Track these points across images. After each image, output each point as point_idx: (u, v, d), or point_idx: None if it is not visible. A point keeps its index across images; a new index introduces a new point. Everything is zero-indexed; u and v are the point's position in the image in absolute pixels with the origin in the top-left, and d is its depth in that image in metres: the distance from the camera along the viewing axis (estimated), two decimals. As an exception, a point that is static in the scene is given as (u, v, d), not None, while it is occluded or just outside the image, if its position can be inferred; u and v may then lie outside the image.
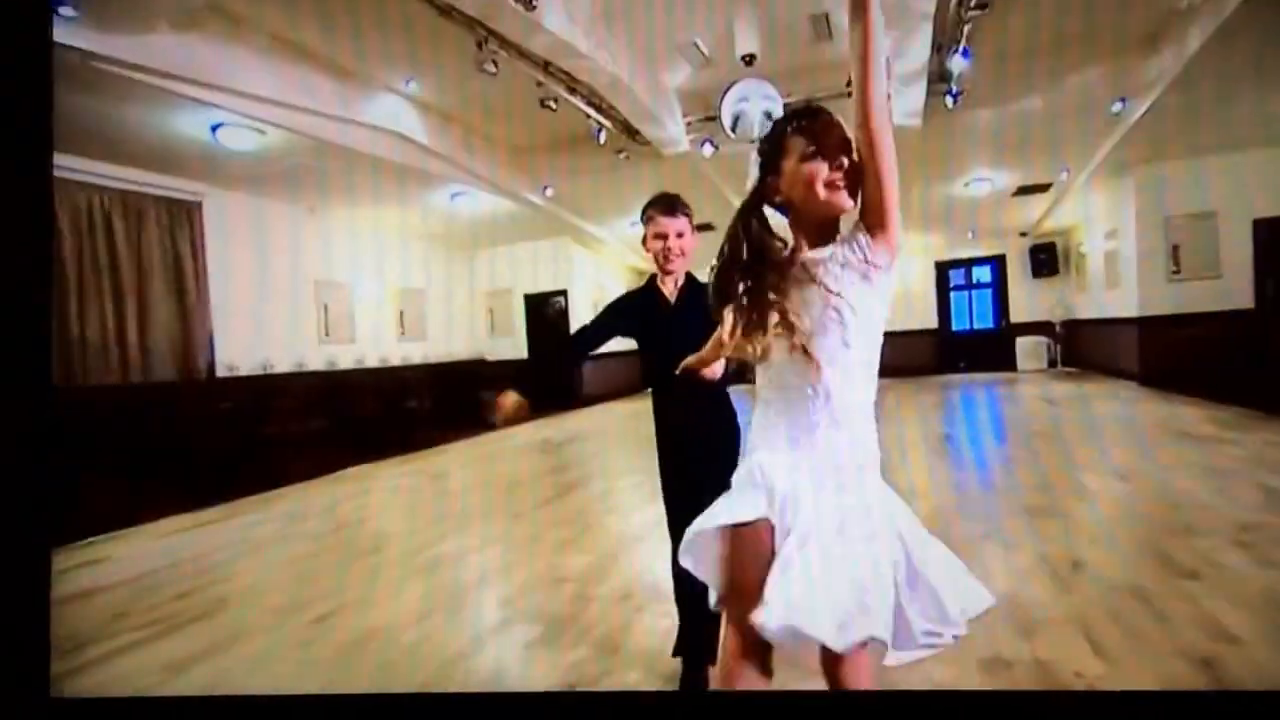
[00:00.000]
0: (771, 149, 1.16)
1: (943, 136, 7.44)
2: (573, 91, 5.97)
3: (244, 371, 7.19)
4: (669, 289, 1.89)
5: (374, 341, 9.06)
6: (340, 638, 2.39)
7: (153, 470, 5.37)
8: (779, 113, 6.17)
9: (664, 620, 2.29)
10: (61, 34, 4.08)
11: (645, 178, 8.32)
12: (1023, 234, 11.67)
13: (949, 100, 6.27)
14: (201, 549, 3.69)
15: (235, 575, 3.22)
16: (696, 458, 1.81)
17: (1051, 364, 11.53)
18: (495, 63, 4.89)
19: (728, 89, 5.80)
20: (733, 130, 6.08)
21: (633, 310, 1.96)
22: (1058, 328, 11.56)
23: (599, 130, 6.66)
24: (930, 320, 12.78)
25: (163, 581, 3.11)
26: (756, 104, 5.83)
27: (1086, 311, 10.57)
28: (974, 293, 12.89)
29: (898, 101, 6.71)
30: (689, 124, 7.35)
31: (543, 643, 2.26)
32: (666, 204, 1.84)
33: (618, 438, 7.54)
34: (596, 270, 11.45)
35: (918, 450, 5.37)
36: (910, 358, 12.58)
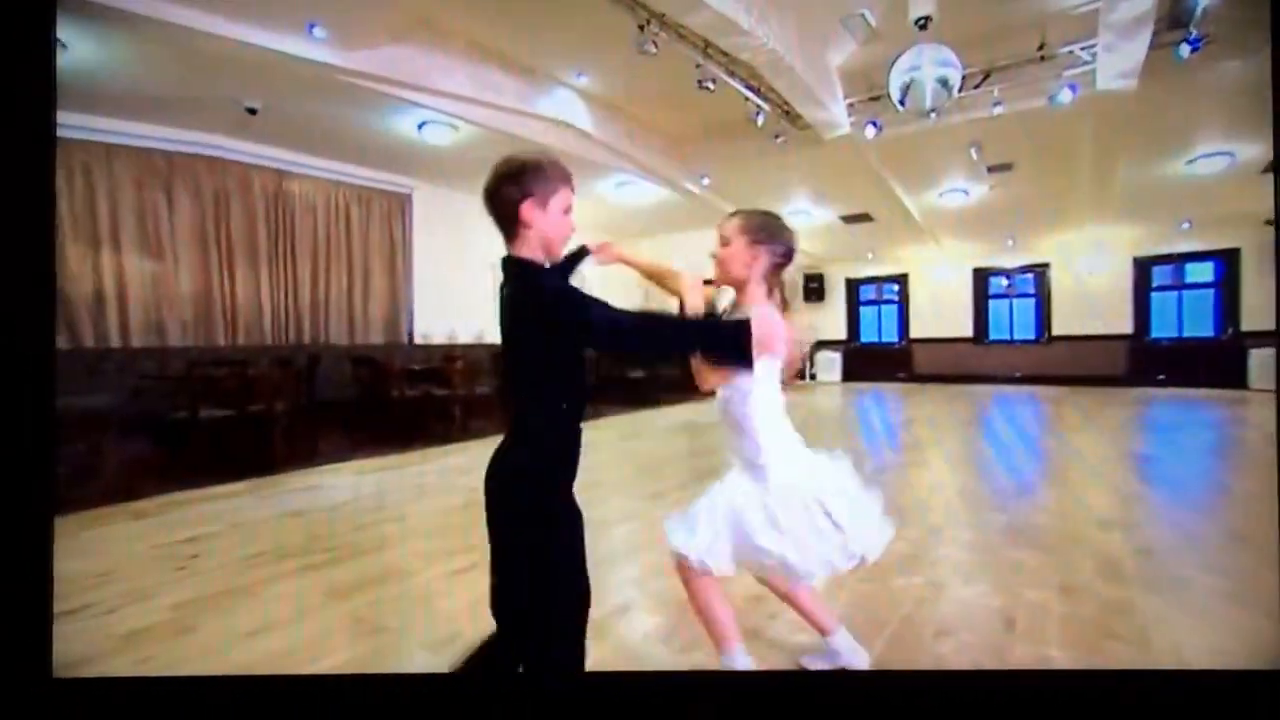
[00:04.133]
0: None
1: (1165, 101, 5.74)
2: (731, 74, 5.49)
3: (435, 340, 7.90)
4: None
5: (541, 320, 9.48)
6: (470, 595, 2.27)
7: (362, 418, 6.00)
8: (956, 82, 5.14)
9: (800, 635, 1.86)
10: (316, 53, 4.58)
11: (802, 163, 7.57)
12: (1268, 221, 8.89)
13: (1184, 50, 4.77)
14: (383, 488, 3.93)
15: (406, 517, 3.32)
16: None
17: (1305, 382, 8.68)
18: (655, 43, 4.58)
19: (897, 56, 4.91)
20: (902, 102, 5.16)
21: None
22: (1318, 338, 8.65)
23: (757, 113, 6.10)
24: (1122, 325, 10.39)
25: (349, 514, 3.32)
26: (930, 71, 4.87)
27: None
28: (1185, 294, 10.26)
29: (1107, 60, 5.27)
30: (850, 105, 6.49)
31: (661, 636, 1.94)
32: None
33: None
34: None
35: (1107, 472, 4.21)
36: (1094, 367, 10.37)
